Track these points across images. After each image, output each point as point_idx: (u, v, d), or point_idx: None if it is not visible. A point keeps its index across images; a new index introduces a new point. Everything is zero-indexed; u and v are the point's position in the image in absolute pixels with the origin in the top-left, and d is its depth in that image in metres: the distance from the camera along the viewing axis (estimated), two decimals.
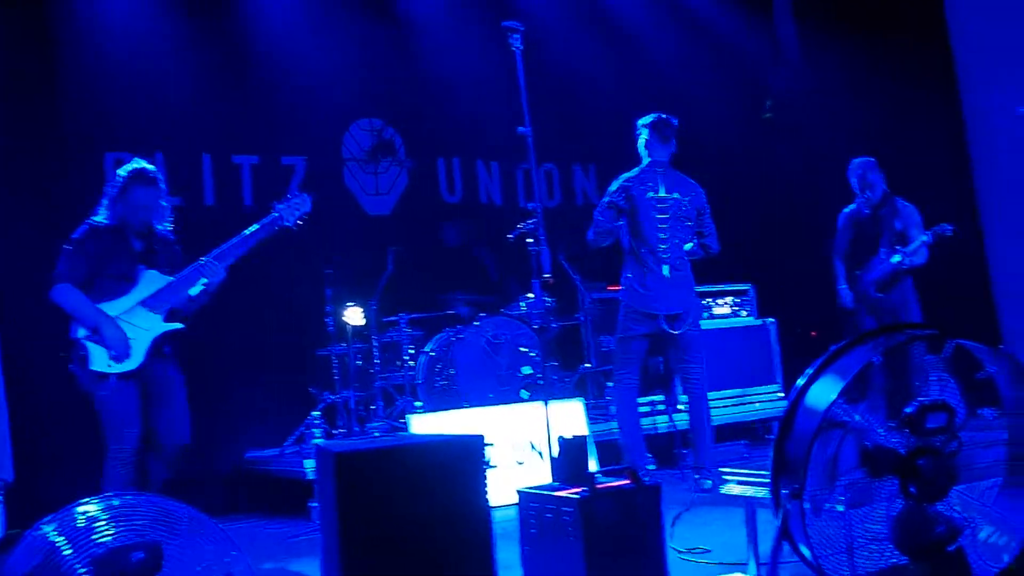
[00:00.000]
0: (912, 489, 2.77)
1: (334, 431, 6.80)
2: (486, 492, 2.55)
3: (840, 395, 2.67)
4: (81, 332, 4.57)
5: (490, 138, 8.42)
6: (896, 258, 6.86)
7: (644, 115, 6.18)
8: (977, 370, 2.83)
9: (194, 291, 4.73)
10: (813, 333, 9.13)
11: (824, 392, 2.77)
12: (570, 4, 9.44)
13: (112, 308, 4.59)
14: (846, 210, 7.23)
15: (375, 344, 7.13)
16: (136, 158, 4.92)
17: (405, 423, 6.20)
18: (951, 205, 8.47)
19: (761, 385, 7.64)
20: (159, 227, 4.89)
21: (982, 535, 2.88)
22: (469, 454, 2.53)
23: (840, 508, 2.83)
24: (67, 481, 5.50)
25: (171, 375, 4.82)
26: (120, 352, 4.53)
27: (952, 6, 9.05)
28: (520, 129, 4.38)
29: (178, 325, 4.73)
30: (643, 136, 6.08)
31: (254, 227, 4.82)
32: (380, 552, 2.41)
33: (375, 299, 7.10)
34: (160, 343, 4.69)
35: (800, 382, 2.85)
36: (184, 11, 7.51)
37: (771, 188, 9.32)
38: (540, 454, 6.03)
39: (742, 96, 9.79)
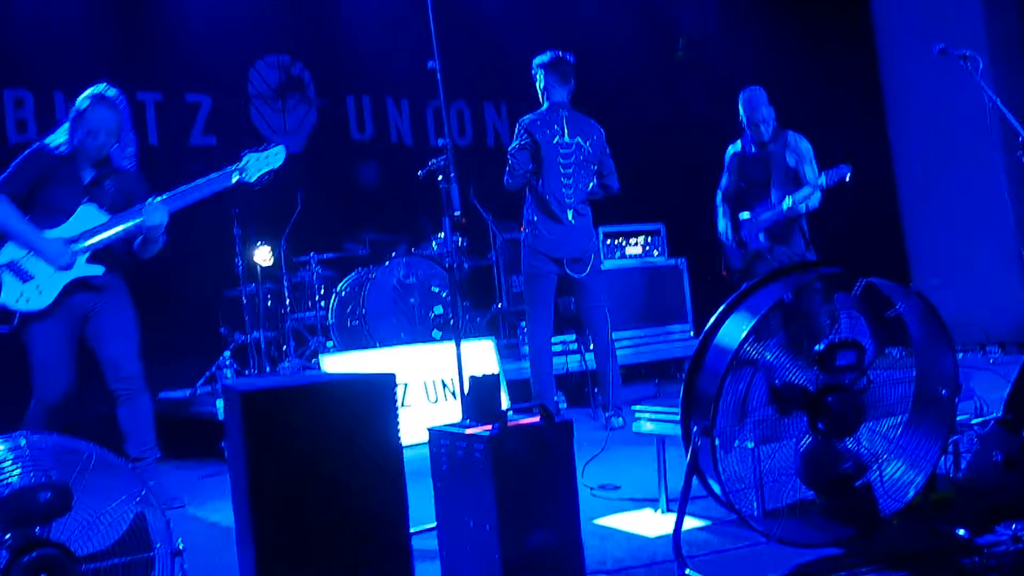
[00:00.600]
0: (820, 426, 2.80)
1: (245, 371, 6.68)
2: (398, 430, 2.50)
3: (750, 332, 2.66)
4: (3, 258, 4.32)
5: (400, 75, 8.29)
6: (787, 203, 6.12)
7: (552, 44, 6.10)
8: (886, 308, 2.86)
9: (121, 229, 4.38)
10: (724, 272, 9.25)
11: (735, 330, 2.76)
12: None
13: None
14: (732, 148, 6.57)
15: (285, 284, 7.01)
16: (99, 84, 4.56)
17: (316, 363, 6.11)
18: (863, 144, 8.60)
19: (672, 324, 7.72)
20: (121, 162, 4.58)
21: (888, 471, 2.94)
22: (380, 392, 2.47)
23: (750, 444, 2.85)
24: None
25: (102, 306, 4.50)
26: (63, 263, 4.27)
27: None
28: (430, 63, 4.26)
29: (96, 270, 4.41)
30: (540, 76, 6.03)
31: (212, 175, 4.46)
32: (290, 492, 2.35)
33: (284, 239, 6.96)
34: (78, 284, 4.38)
35: (711, 320, 2.85)
36: None
37: (682, 127, 9.35)
38: (453, 393, 6.01)
39: (652, 33, 9.76)
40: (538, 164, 5.87)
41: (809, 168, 6.19)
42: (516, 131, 5.98)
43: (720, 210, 6.58)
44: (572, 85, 6.03)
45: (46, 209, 4.37)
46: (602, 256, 7.51)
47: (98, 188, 4.47)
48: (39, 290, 4.31)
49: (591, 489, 4.01)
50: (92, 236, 4.36)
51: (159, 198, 4.38)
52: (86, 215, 4.40)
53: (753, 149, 6.40)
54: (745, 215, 6.41)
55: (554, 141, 5.86)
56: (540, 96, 6.04)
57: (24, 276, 4.31)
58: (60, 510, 2.25)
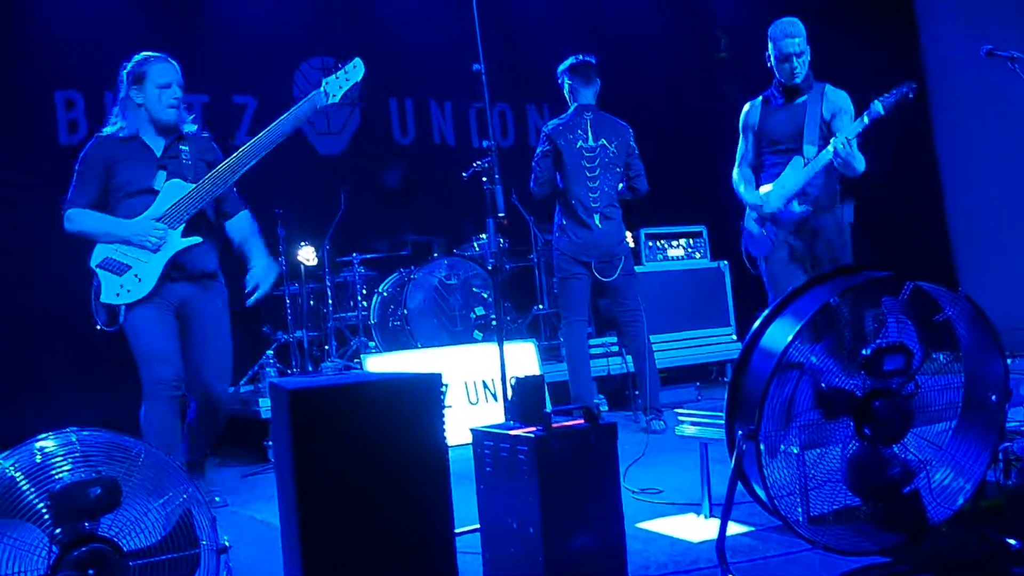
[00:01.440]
0: (867, 431, 2.77)
1: (288, 371, 6.73)
2: (443, 430, 2.51)
3: (796, 336, 2.64)
4: (96, 259, 4.15)
5: (443, 77, 8.32)
6: (838, 141, 4.75)
7: (595, 51, 6.12)
8: (935, 312, 2.82)
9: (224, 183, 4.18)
10: (746, 259, 9.17)
11: (780, 333, 2.75)
12: None
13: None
14: (749, 105, 5.26)
15: (328, 284, 7.06)
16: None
17: (359, 363, 6.15)
18: (908, 147, 8.49)
19: (715, 327, 7.67)
20: (187, 127, 4.40)
21: (937, 477, 2.90)
22: (426, 391, 2.48)
23: (795, 449, 2.83)
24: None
25: (202, 305, 4.31)
26: (153, 241, 4.08)
27: None
28: (475, 66, 4.29)
29: (195, 240, 4.20)
30: (565, 82, 6.07)
31: (298, 105, 4.34)
32: (336, 490, 2.37)
33: (328, 239, 7.01)
34: (177, 270, 4.21)
35: (756, 323, 2.83)
36: None
37: (724, 127, 9.27)
38: (493, 395, 6.02)
39: (694, 31, 9.71)
40: (562, 169, 5.89)
41: (848, 120, 4.95)
42: (540, 138, 6.02)
43: (742, 186, 5.23)
44: (598, 85, 6.06)
45: (126, 195, 4.20)
46: (643, 258, 7.48)
47: (173, 159, 4.28)
48: (138, 278, 4.12)
49: (633, 493, 4.00)
50: (182, 206, 4.17)
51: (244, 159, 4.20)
52: (169, 189, 4.20)
53: (779, 98, 5.09)
54: (766, 189, 5.08)
55: (577, 145, 5.88)
56: (568, 100, 6.07)
57: (119, 268, 4.13)
58: (109, 506, 2.27)
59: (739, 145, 5.29)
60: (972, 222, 8.83)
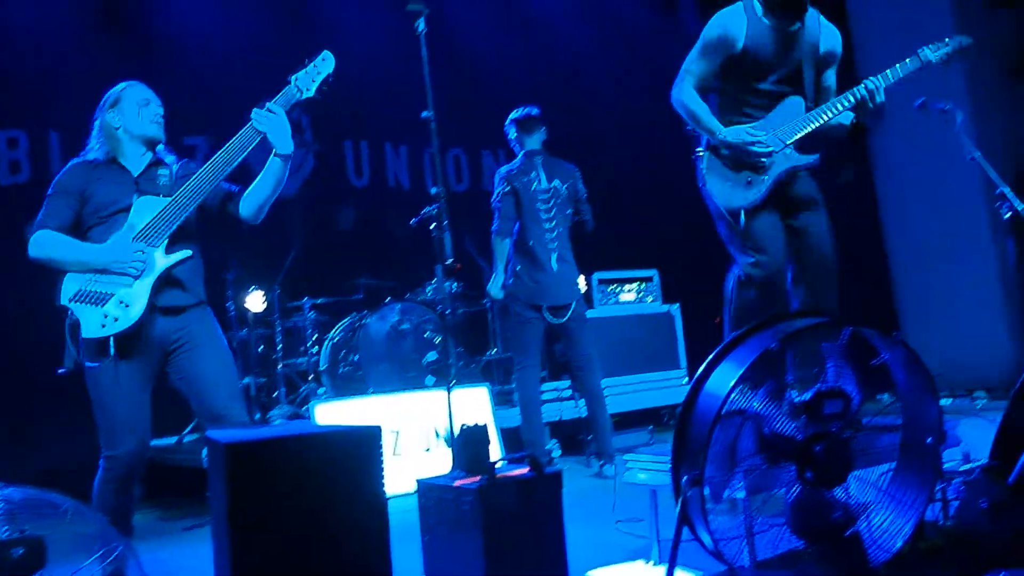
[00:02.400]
0: (809, 475, 2.80)
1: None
2: (383, 484, 2.49)
3: (738, 382, 2.67)
4: (66, 294, 3.66)
5: (398, 120, 8.35)
6: (897, 72, 4.21)
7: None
8: (872, 356, 2.87)
9: (207, 179, 3.78)
10: (718, 319, 9.26)
11: (723, 379, 2.77)
12: None
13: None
14: (733, 11, 4.28)
15: (278, 329, 7.01)
16: None
17: (308, 410, 6.11)
18: (849, 193, 8.67)
19: (667, 370, 7.72)
20: (165, 155, 4.03)
21: (877, 519, 2.93)
22: (365, 445, 2.47)
23: (740, 494, 2.85)
24: None
25: (194, 330, 3.81)
26: (132, 262, 3.63)
27: (854, 8, 9.25)
28: (424, 113, 4.33)
29: (184, 253, 3.76)
30: (511, 131, 6.21)
31: (273, 100, 4.04)
32: (272, 545, 2.34)
33: (278, 283, 6.98)
34: (167, 284, 3.75)
35: (700, 370, 2.86)
36: None
37: (674, 174, 9.41)
38: (446, 441, 6.00)
39: (646, 80, 9.86)
40: (519, 212, 5.95)
41: (834, 70, 4.45)
42: (495, 181, 6.10)
43: (703, 113, 4.30)
44: (543, 133, 6.16)
45: (101, 217, 3.79)
46: (596, 302, 7.54)
47: (149, 180, 3.89)
48: (123, 304, 3.66)
49: (617, 522, 4.01)
50: (162, 221, 3.75)
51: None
52: (144, 206, 3.78)
53: (768, 16, 4.19)
54: (747, 130, 4.24)
55: (532, 188, 5.96)
56: (515, 149, 6.18)
57: (99, 299, 3.66)
58: (33, 567, 2.21)
59: (696, 60, 4.34)
60: (912, 266, 8.99)
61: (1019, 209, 4.49)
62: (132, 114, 3.96)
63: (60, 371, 3.72)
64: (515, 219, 5.99)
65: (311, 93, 4.11)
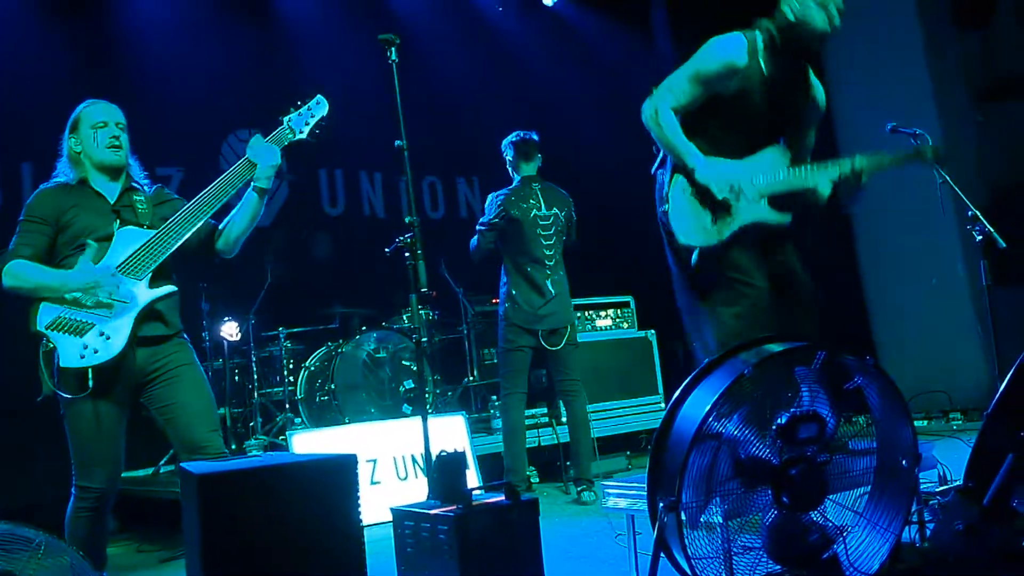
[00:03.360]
0: (785, 499, 2.80)
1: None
2: (359, 513, 2.48)
3: (712, 407, 2.68)
4: (43, 320, 3.51)
5: (373, 150, 8.36)
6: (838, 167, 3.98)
7: (525, 127, 6.26)
8: (846, 380, 2.89)
9: (197, 211, 3.73)
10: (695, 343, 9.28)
11: (698, 405, 2.78)
12: (450, 19, 9.47)
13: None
14: (741, 39, 3.95)
15: (253, 359, 6.97)
16: None
17: (285, 440, 6.07)
18: (825, 219, 8.72)
19: (644, 396, 7.72)
20: (142, 181, 3.92)
21: (854, 542, 2.94)
22: (340, 474, 2.45)
23: (718, 519, 2.85)
24: None
25: (171, 360, 3.70)
26: (111, 299, 3.51)
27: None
28: (397, 142, 4.34)
29: (168, 289, 3.67)
30: (508, 153, 6.22)
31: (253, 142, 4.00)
32: None
33: (253, 313, 6.95)
34: (149, 317, 3.63)
35: (675, 396, 2.87)
36: (53, 15, 7.26)
37: (648, 200, 9.46)
38: (423, 470, 5.97)
39: (620, 108, 9.93)
40: (519, 237, 5.96)
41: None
42: (488, 204, 6.09)
43: (679, 138, 3.97)
44: (539, 160, 6.19)
45: (83, 240, 3.62)
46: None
47: (127, 208, 3.77)
48: (104, 336, 3.52)
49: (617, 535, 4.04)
50: (147, 253, 3.64)
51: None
52: (126, 237, 3.67)
53: (766, 59, 3.93)
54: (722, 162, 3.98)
55: (532, 214, 5.98)
56: (510, 171, 6.19)
57: (78, 328, 3.51)
58: None
59: (684, 83, 4.00)
60: (886, 287, 9.06)
61: (990, 231, 4.54)
62: (88, 139, 3.81)
63: (38, 399, 3.57)
64: (494, 249, 6.03)
65: (303, 136, 4.11)
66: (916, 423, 3.06)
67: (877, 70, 8.02)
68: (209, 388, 3.84)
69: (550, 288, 5.96)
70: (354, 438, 5.89)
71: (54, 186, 3.80)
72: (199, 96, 7.91)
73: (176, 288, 3.74)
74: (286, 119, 4.09)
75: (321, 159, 8.80)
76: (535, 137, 6.23)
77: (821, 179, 4.00)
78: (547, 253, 6.00)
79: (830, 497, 2.89)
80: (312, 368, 6.93)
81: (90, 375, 3.46)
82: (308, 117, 4.14)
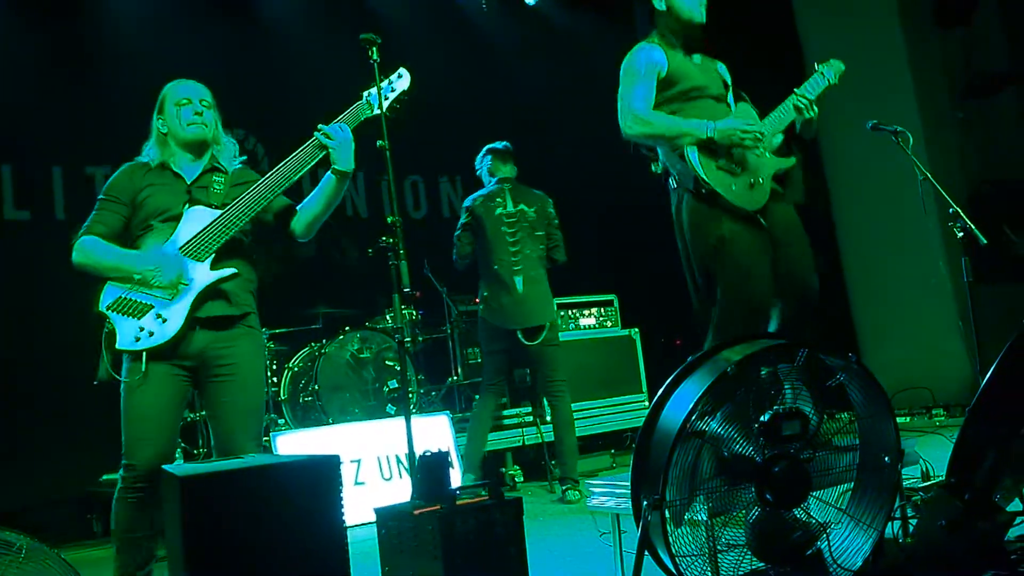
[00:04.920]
0: (769, 496, 2.80)
1: (194, 451, 6.57)
2: (342, 513, 2.47)
3: (696, 406, 2.68)
4: (105, 300, 3.50)
5: (356, 149, 8.33)
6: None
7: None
8: (829, 377, 2.89)
9: (261, 193, 3.64)
10: (678, 342, 9.32)
11: (682, 403, 2.78)
12: (432, 18, 9.46)
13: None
14: (647, 45, 4.29)
15: None
16: None
17: (269, 441, 6.05)
18: (806, 216, 8.74)
19: (628, 394, 7.73)
20: (228, 163, 3.86)
21: (837, 539, 2.94)
22: (323, 475, 2.45)
23: (702, 517, 2.85)
24: None
25: (230, 352, 3.60)
26: (170, 271, 3.46)
27: (805, 30, 9.38)
28: (379, 143, 4.34)
29: (229, 271, 3.59)
30: (485, 161, 6.31)
31: (342, 116, 3.91)
32: None
33: None
34: (210, 299, 3.56)
35: (658, 394, 2.87)
36: (31, 17, 7.20)
37: (631, 201, 9.48)
38: (407, 470, 5.96)
39: (603, 107, 9.93)
40: (483, 238, 5.98)
41: None
42: (462, 209, 6.17)
43: (664, 117, 4.12)
44: (514, 165, 6.23)
45: (152, 222, 3.61)
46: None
47: (202, 188, 3.71)
48: (161, 318, 3.48)
49: (601, 534, 4.02)
50: (211, 234, 3.58)
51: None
52: (194, 217, 3.61)
53: (677, 47, 4.26)
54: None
55: (496, 212, 6.01)
56: (483, 177, 6.30)
57: (137, 309, 3.49)
58: None
59: (634, 88, 4.20)
60: (869, 284, 9.10)
61: (971, 228, 4.56)
62: (172, 116, 3.78)
63: (94, 383, 3.56)
64: (471, 252, 6.07)
65: (383, 111, 4.00)
66: (899, 419, 3.07)
67: (858, 67, 8.03)
68: (262, 388, 3.81)
69: (519, 286, 5.95)
70: (338, 439, 5.88)
71: (134, 165, 3.77)
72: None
73: (236, 271, 3.62)
74: (365, 93, 3.97)
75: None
76: (510, 146, 6.33)
77: (790, 115, 4.20)
78: (512, 251, 5.99)
79: (813, 494, 2.90)
80: (295, 369, 6.91)
81: (144, 359, 3.43)
82: (388, 91, 4.00)
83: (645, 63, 4.18)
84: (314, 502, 2.42)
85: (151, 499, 3.44)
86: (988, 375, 3.00)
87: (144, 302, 3.49)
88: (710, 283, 4.05)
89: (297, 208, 3.88)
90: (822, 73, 4.33)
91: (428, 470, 2.79)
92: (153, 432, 3.47)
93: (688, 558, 2.79)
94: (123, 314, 3.48)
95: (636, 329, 7.85)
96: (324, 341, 6.88)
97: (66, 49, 7.37)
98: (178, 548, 2.33)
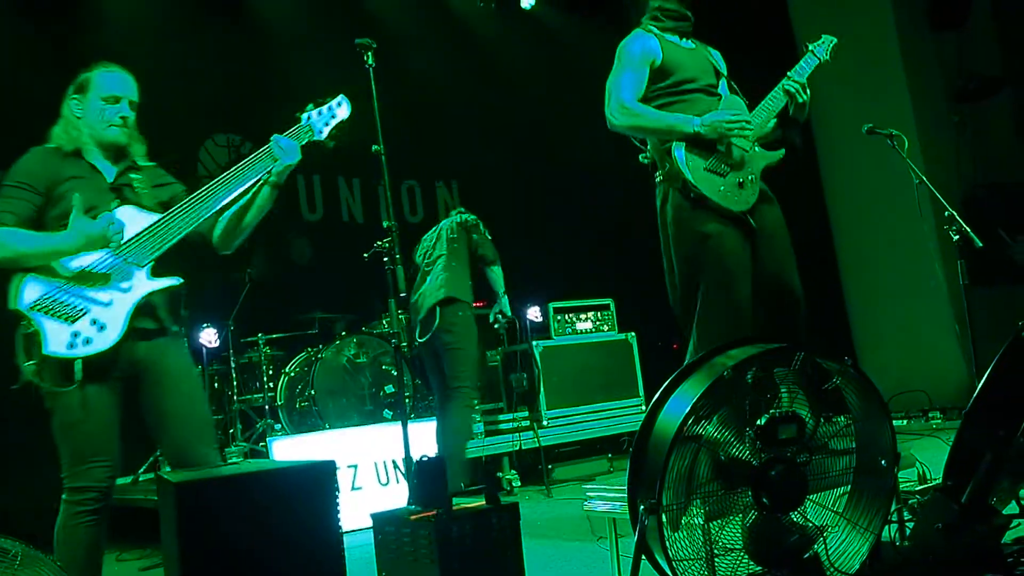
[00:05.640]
0: (765, 500, 2.80)
1: None
2: (338, 519, 2.47)
3: (692, 410, 2.68)
4: (26, 298, 3.11)
5: (351, 154, 8.31)
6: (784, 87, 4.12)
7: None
8: (825, 381, 2.89)
9: (224, 193, 3.40)
10: (675, 345, 9.31)
11: (678, 407, 2.78)
12: (428, 22, 9.46)
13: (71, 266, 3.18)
14: (640, 32, 4.21)
15: (232, 365, 6.94)
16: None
17: (265, 447, 6.04)
18: (803, 221, 8.76)
19: (625, 398, 7.72)
20: (138, 157, 3.52)
21: (834, 542, 2.94)
22: (318, 480, 2.44)
23: (699, 521, 2.85)
24: None
25: (169, 362, 3.35)
26: (113, 227, 3.16)
27: (800, 35, 9.39)
28: (374, 147, 4.33)
29: (173, 280, 3.32)
30: None
31: (280, 136, 3.63)
32: None
33: (232, 319, 6.92)
34: (146, 309, 3.28)
35: (655, 398, 2.87)
36: (25, 16, 7.21)
37: (628, 206, 9.49)
38: (404, 475, 5.95)
39: (598, 111, 9.94)
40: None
41: None
42: None
43: (648, 111, 4.07)
44: None
45: (71, 215, 3.18)
46: (552, 332, 7.53)
47: (126, 188, 3.43)
48: (98, 324, 3.16)
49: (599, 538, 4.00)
50: (151, 239, 3.30)
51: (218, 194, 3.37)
52: (126, 217, 3.31)
53: (670, 33, 4.21)
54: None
55: None
56: None
57: (69, 311, 3.14)
58: None
59: (623, 75, 4.13)
60: (866, 289, 9.11)
61: (967, 231, 4.56)
62: (95, 111, 3.43)
63: (13, 387, 3.15)
64: None
65: (322, 137, 3.77)
66: (896, 422, 3.08)
67: (853, 71, 8.07)
68: (202, 394, 3.58)
69: None
70: (335, 444, 5.87)
71: (45, 150, 3.41)
72: (176, 101, 7.87)
73: (181, 280, 3.36)
74: (304, 116, 3.76)
75: (299, 164, 8.76)
76: None
77: (781, 101, 4.13)
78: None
79: (810, 497, 2.90)
80: (292, 374, 6.90)
81: (78, 367, 3.09)
82: (328, 118, 3.78)
83: (640, 51, 4.11)
84: (310, 508, 2.41)
85: (102, 519, 3.20)
86: (984, 378, 3.00)
87: (77, 305, 3.16)
88: (690, 281, 4.02)
89: (219, 219, 3.57)
90: (812, 52, 4.32)
91: (425, 475, 2.78)
92: (105, 448, 3.21)
93: (685, 562, 2.79)
94: (51, 315, 3.11)
95: (633, 333, 7.85)
96: (321, 346, 6.88)
97: (61, 51, 7.36)
98: (174, 555, 2.32)
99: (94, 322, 3.16)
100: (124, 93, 3.48)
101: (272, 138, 3.59)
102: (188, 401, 3.37)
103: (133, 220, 3.31)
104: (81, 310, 3.15)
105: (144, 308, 3.27)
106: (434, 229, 6.18)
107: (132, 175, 3.46)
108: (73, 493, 3.16)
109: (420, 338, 5.93)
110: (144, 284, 3.26)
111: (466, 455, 5.79)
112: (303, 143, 3.68)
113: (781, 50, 9.17)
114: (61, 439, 3.19)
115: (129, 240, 3.27)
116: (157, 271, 3.30)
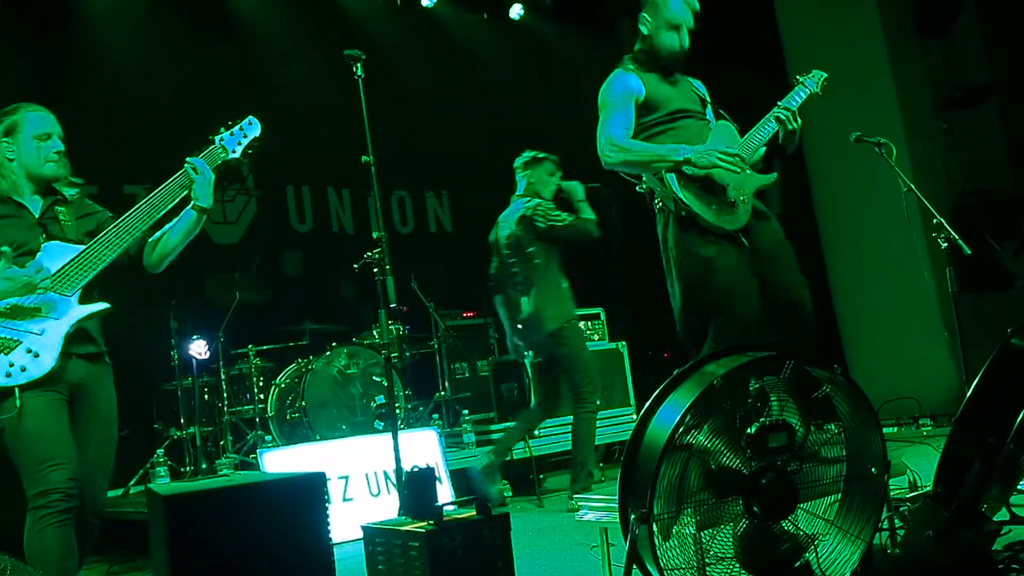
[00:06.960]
0: (756, 508, 2.80)
1: (181, 469, 6.54)
2: (328, 530, 2.46)
3: (682, 419, 2.68)
4: None
5: (341, 165, 8.35)
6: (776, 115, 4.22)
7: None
8: (815, 389, 2.90)
9: (132, 222, 3.58)
10: (665, 354, 9.32)
11: (668, 416, 2.78)
12: (417, 33, 9.49)
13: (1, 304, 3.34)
14: (622, 72, 4.37)
15: (223, 377, 6.92)
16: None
17: (255, 458, 6.02)
18: (792, 228, 8.78)
19: (615, 407, 7.72)
20: (66, 190, 3.72)
21: (825, 550, 2.94)
22: (308, 492, 2.44)
23: (691, 530, 2.85)
24: None
25: (96, 393, 3.56)
26: (37, 282, 3.34)
27: (788, 43, 9.43)
28: (364, 158, 4.34)
29: (101, 305, 3.51)
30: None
31: (193, 158, 3.85)
32: None
33: (222, 331, 6.90)
34: (79, 335, 3.47)
35: (645, 407, 2.87)
36: (15, 31, 7.20)
37: (617, 214, 9.50)
38: (395, 486, 5.94)
39: (588, 122, 9.96)
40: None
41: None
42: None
43: (640, 145, 4.22)
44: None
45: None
46: None
47: (52, 222, 3.62)
48: (33, 353, 3.33)
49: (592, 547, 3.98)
50: (76, 269, 3.48)
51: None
52: (52, 252, 3.50)
53: (653, 72, 4.33)
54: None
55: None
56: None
57: (3, 342, 3.32)
58: None
59: (614, 116, 4.26)
60: (856, 296, 9.13)
61: (955, 239, 4.58)
62: (30, 151, 3.63)
63: None
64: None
65: (236, 155, 4.01)
66: (886, 430, 3.08)
67: (841, 78, 8.10)
68: (115, 432, 3.66)
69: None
70: (326, 455, 5.85)
71: None
72: (165, 114, 7.87)
73: (108, 305, 3.55)
74: (217, 138, 4.00)
75: (288, 175, 8.77)
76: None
77: (771, 129, 4.25)
78: (514, 271, 6.05)
79: (801, 506, 2.90)
80: (282, 385, 6.89)
81: (17, 394, 3.27)
82: (240, 137, 4.05)
83: (622, 91, 4.27)
84: (300, 519, 2.41)
85: (71, 525, 3.23)
86: (974, 384, 3.01)
87: (9, 337, 3.33)
88: (694, 304, 4.10)
89: (149, 240, 3.77)
90: (803, 84, 4.45)
91: (415, 486, 2.78)
92: (58, 452, 3.29)
93: (677, 571, 2.79)
94: None
95: (623, 342, 7.85)
96: (311, 357, 6.87)
97: (49, 64, 7.36)
98: (164, 568, 2.31)
99: (28, 351, 3.34)
100: (53, 130, 3.70)
101: (187, 160, 3.83)
102: (104, 442, 3.57)
103: (59, 254, 3.51)
104: (16, 341, 3.33)
105: (77, 335, 3.47)
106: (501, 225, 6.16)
107: (58, 208, 3.66)
108: (36, 499, 3.24)
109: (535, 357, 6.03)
110: (75, 311, 3.45)
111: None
112: (217, 163, 3.90)
113: (768, 59, 9.24)
114: (15, 454, 3.32)
115: (56, 272, 3.45)
116: (86, 298, 3.50)
